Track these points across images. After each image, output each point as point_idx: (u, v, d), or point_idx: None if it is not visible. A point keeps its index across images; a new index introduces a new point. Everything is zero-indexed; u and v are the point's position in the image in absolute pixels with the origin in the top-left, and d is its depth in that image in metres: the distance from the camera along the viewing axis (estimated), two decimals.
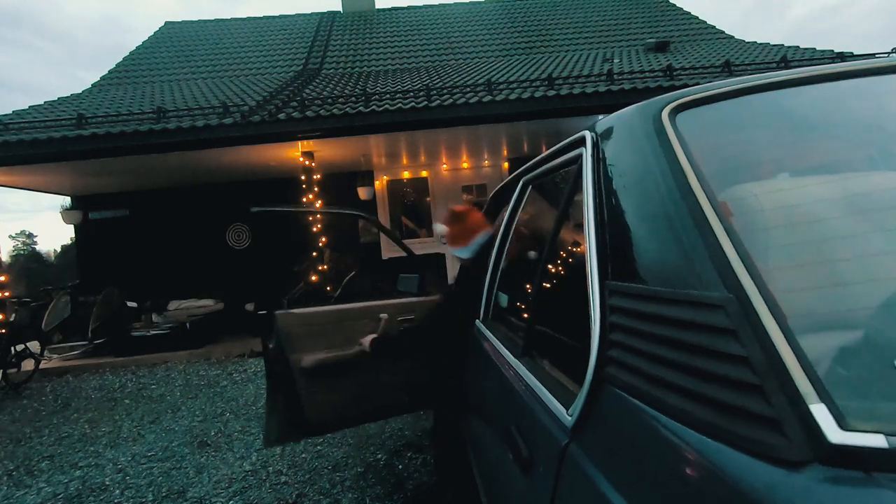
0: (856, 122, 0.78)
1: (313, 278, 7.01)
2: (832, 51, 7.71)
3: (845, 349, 0.48)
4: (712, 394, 0.46)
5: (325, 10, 13.06)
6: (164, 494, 2.63)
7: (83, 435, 3.73)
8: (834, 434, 0.38)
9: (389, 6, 12.73)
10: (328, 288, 7.13)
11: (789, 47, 8.41)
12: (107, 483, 2.83)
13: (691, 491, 0.45)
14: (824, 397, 0.39)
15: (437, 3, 12.69)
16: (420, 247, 8.42)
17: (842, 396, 0.40)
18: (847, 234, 0.57)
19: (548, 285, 1.06)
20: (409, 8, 12.59)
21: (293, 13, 12.52)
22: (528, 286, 1.19)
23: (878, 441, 0.36)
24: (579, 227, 0.84)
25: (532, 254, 1.57)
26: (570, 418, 0.68)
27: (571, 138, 1.02)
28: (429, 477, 2.56)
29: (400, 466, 2.71)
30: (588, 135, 0.93)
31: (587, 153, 0.89)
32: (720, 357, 0.46)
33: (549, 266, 1.06)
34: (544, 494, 0.68)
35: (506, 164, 8.49)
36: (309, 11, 13.54)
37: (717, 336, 0.47)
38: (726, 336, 0.46)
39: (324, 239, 6.79)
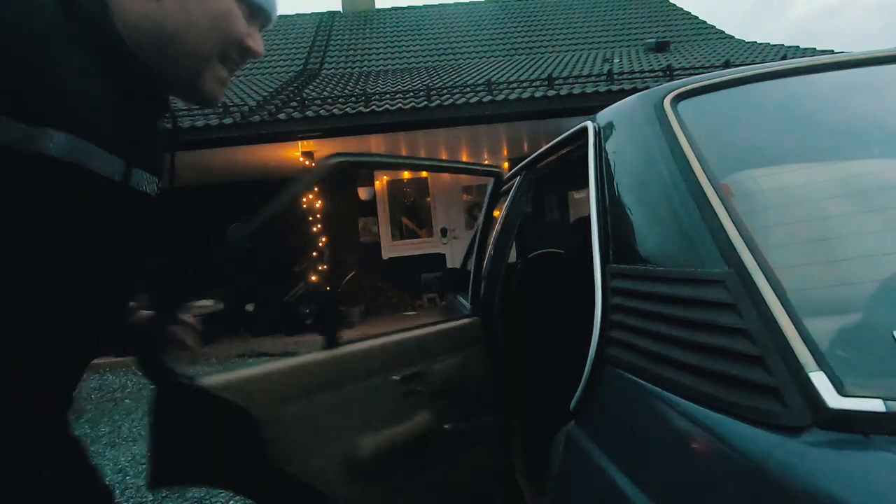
0: (854, 111, 0.79)
1: (313, 278, 7.01)
2: (832, 51, 7.75)
3: (844, 320, 0.49)
4: (713, 366, 0.47)
5: (325, 10, 13.08)
6: (164, 494, 2.62)
7: (83, 435, 3.72)
8: (833, 400, 0.38)
9: (389, 6, 12.76)
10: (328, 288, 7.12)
11: (789, 47, 8.44)
12: (107, 483, 2.83)
13: (690, 460, 0.46)
14: (823, 366, 0.40)
15: (437, 3, 12.72)
16: (421, 247, 8.43)
17: (841, 365, 0.41)
18: (845, 213, 0.58)
19: (549, 276, 1.07)
20: (409, 8, 12.62)
21: (293, 13, 12.54)
22: (528, 277, 1.20)
23: (875, 405, 0.37)
24: (582, 217, 0.85)
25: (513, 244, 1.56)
26: (570, 402, 0.68)
27: (573, 129, 1.03)
28: None
29: None
30: (590, 125, 0.94)
31: (590, 142, 0.90)
32: (721, 330, 0.47)
33: (551, 256, 1.07)
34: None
35: (506, 164, 8.50)
36: (309, 11, 13.55)
37: (718, 310, 0.48)
38: (727, 310, 0.47)
39: (324, 239, 6.78)
